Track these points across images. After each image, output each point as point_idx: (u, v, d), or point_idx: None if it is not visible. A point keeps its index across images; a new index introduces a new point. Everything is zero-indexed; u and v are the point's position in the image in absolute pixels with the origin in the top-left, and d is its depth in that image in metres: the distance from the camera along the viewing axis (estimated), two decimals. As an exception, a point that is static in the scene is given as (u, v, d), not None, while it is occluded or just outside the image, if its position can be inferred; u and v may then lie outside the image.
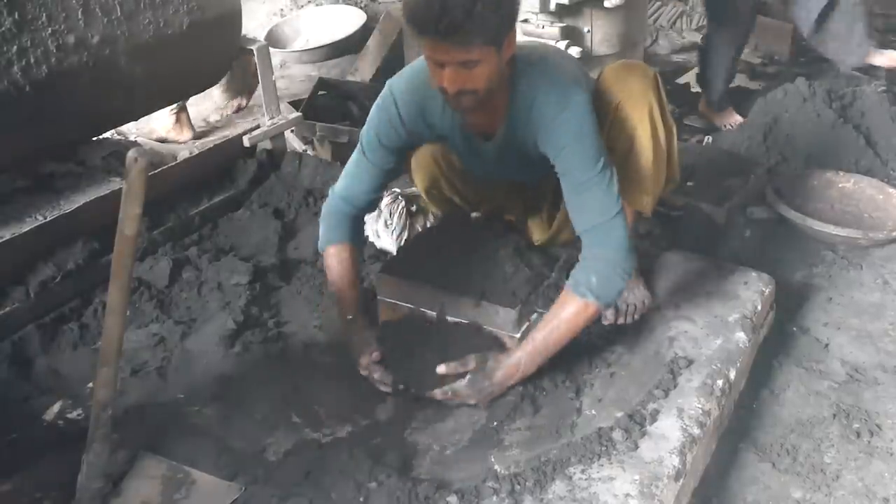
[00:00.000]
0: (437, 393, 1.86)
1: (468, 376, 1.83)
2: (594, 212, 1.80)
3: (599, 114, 1.88)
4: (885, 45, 4.45)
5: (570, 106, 1.78)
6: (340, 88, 3.81)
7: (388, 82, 1.95)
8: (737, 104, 3.82)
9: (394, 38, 4.34)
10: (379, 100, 1.94)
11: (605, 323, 2.06)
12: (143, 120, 3.19)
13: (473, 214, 2.33)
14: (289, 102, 3.60)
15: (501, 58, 1.70)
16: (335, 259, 2.03)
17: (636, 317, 2.08)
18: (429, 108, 1.89)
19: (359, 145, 2.02)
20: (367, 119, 1.98)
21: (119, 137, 3.36)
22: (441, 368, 1.84)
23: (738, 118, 3.67)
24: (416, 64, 1.89)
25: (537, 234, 2.28)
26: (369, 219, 2.50)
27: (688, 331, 2.03)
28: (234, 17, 2.66)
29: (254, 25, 4.94)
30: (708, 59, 3.73)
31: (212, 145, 2.93)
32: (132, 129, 3.58)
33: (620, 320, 2.07)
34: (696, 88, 4.22)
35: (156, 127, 3.53)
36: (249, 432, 1.81)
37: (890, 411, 2.03)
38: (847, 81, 3.72)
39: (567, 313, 1.81)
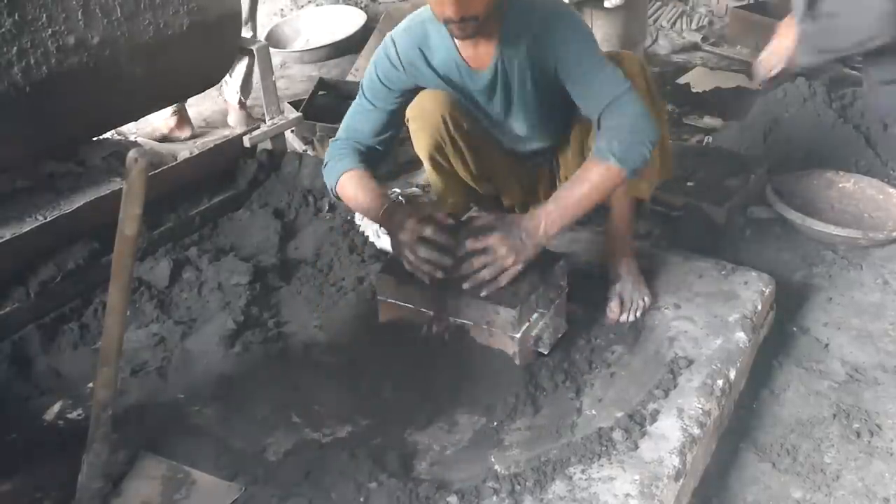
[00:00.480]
0: (469, 244, 1.85)
1: (496, 232, 1.85)
2: (606, 92, 1.88)
3: None
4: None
5: (564, 9, 1.96)
6: (340, 88, 3.81)
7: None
8: (737, 104, 3.81)
9: (394, 39, 4.33)
10: (379, 47, 2.04)
11: (611, 316, 2.09)
12: (142, 119, 3.19)
13: (471, 211, 2.34)
14: (289, 102, 3.60)
15: None
16: (353, 183, 1.98)
17: (639, 314, 2.10)
18: (425, 45, 1.98)
19: (359, 92, 2.08)
20: (367, 66, 2.07)
21: (119, 137, 3.36)
22: (469, 243, 1.86)
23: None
24: (413, 14, 2.02)
25: None
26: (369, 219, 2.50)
27: (688, 331, 2.03)
28: (234, 18, 2.66)
29: (254, 25, 4.93)
30: None
31: (212, 145, 2.93)
32: (132, 129, 3.58)
33: (623, 317, 2.09)
34: (696, 88, 4.22)
35: (157, 125, 3.54)
36: (249, 432, 1.81)
37: (890, 411, 2.03)
38: (847, 81, 3.72)
39: (590, 174, 1.85)
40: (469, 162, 2.22)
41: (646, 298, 2.12)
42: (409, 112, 2.09)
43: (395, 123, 2.11)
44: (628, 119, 1.86)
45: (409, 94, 2.07)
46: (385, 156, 2.17)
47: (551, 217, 1.86)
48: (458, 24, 1.80)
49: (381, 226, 2.01)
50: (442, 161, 2.19)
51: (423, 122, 2.09)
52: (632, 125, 1.85)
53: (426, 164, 2.24)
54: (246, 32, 3.24)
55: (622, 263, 2.15)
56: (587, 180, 1.85)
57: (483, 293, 1.85)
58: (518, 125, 2.15)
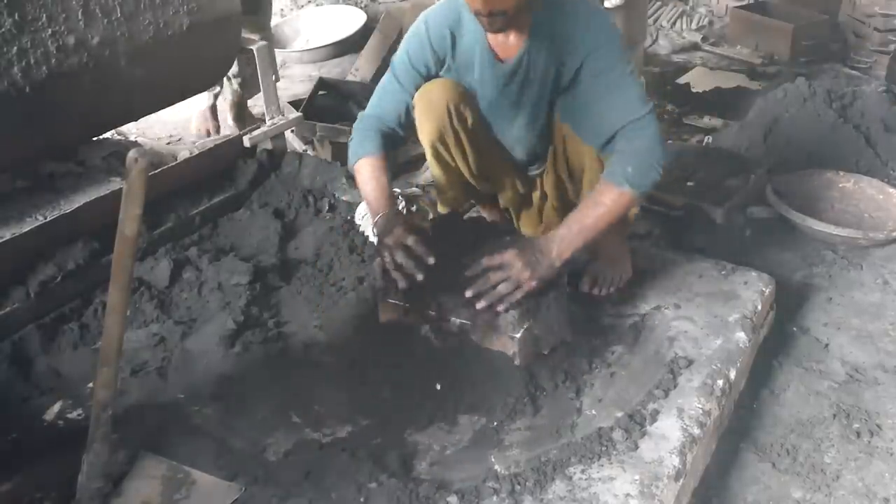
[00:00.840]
0: (486, 261, 1.85)
1: (509, 250, 1.86)
2: (627, 110, 1.89)
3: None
4: (884, 44, 4.47)
5: (599, 11, 1.98)
6: (340, 88, 3.81)
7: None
8: (737, 104, 3.82)
9: (394, 38, 4.34)
10: (412, 25, 2.09)
11: (584, 289, 2.16)
12: (154, 118, 3.20)
13: (467, 215, 2.35)
14: (289, 102, 3.60)
15: None
16: (367, 172, 2.06)
17: (612, 290, 2.16)
18: (457, 27, 2.03)
19: (390, 68, 2.14)
20: (401, 43, 2.13)
21: (119, 137, 3.36)
22: (486, 260, 1.85)
23: None
24: None
25: (527, 227, 2.32)
26: (369, 219, 2.49)
27: (688, 331, 2.03)
28: (234, 18, 2.66)
29: (254, 25, 4.93)
30: None
31: (212, 145, 2.93)
32: (132, 129, 3.58)
33: (595, 290, 2.15)
34: (696, 88, 4.22)
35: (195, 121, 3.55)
36: (249, 432, 1.81)
37: (890, 411, 2.03)
38: (847, 81, 3.72)
39: (603, 198, 1.88)
40: (469, 157, 2.23)
41: (623, 276, 2.17)
42: (417, 97, 2.11)
43: (409, 122, 2.15)
44: (645, 143, 1.88)
45: (435, 76, 2.11)
46: (405, 141, 2.21)
47: (565, 241, 1.87)
48: (487, 17, 1.86)
49: (374, 223, 2.03)
50: (443, 152, 2.20)
51: (429, 110, 2.11)
52: (648, 149, 1.88)
53: (427, 153, 2.25)
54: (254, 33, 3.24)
55: (603, 244, 2.15)
56: (601, 204, 1.88)
57: (501, 307, 1.84)
58: (522, 119, 2.16)
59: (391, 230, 1.94)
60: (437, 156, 2.22)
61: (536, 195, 2.38)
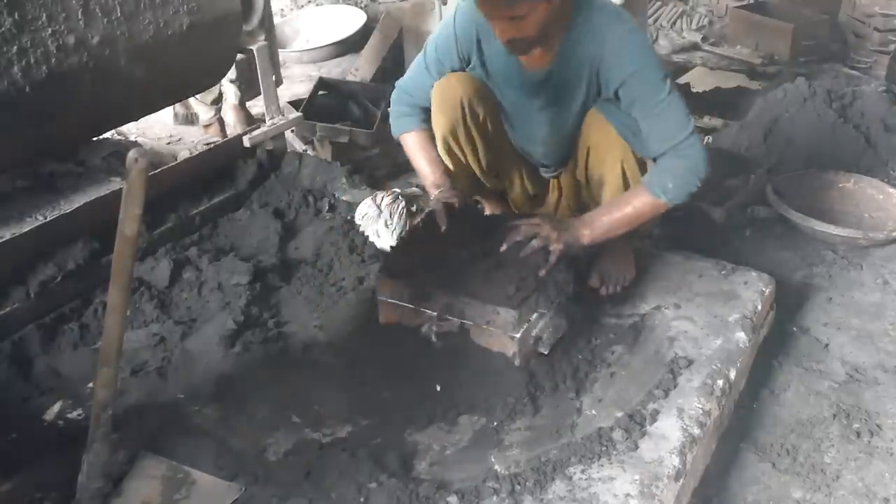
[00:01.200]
0: (524, 228, 1.94)
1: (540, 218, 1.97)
2: (669, 134, 1.90)
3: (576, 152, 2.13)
4: (884, 44, 4.47)
5: (635, 33, 1.93)
6: (340, 88, 3.81)
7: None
8: (737, 104, 3.81)
9: (394, 38, 4.34)
10: (447, 14, 2.15)
11: (592, 286, 2.17)
12: (153, 118, 3.19)
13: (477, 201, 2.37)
14: (289, 102, 3.60)
15: (553, 4, 1.80)
16: (416, 143, 2.21)
17: (618, 289, 2.17)
18: (482, 30, 2.00)
19: (424, 48, 2.18)
20: (436, 28, 2.20)
21: (119, 137, 3.36)
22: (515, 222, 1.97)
23: None
24: None
25: None
26: (369, 219, 2.50)
27: (688, 331, 2.03)
28: (234, 18, 2.66)
29: (254, 25, 4.93)
30: None
31: (212, 145, 2.93)
32: (132, 129, 3.58)
33: (603, 289, 2.17)
34: (696, 88, 4.22)
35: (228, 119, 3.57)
36: (249, 432, 1.81)
37: (890, 411, 2.03)
38: (847, 81, 3.72)
39: (636, 201, 1.93)
40: (480, 153, 2.24)
41: (628, 276, 2.19)
42: (434, 90, 2.14)
43: None
44: (689, 163, 1.90)
45: (462, 69, 2.12)
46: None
47: (593, 224, 1.96)
48: (507, 45, 1.85)
49: (430, 188, 2.19)
50: (454, 146, 2.23)
51: (443, 104, 2.14)
52: (692, 169, 1.91)
53: (439, 146, 2.26)
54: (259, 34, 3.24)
55: (609, 245, 2.16)
56: (633, 206, 1.94)
57: (542, 272, 1.90)
58: (547, 122, 2.16)
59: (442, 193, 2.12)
60: (449, 150, 2.24)
61: (553, 197, 2.39)
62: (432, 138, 2.21)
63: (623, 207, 1.96)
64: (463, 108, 2.11)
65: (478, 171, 2.30)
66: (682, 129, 1.90)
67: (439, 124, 2.19)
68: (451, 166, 2.29)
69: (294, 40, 5.09)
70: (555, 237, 1.92)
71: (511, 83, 2.09)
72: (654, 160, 1.97)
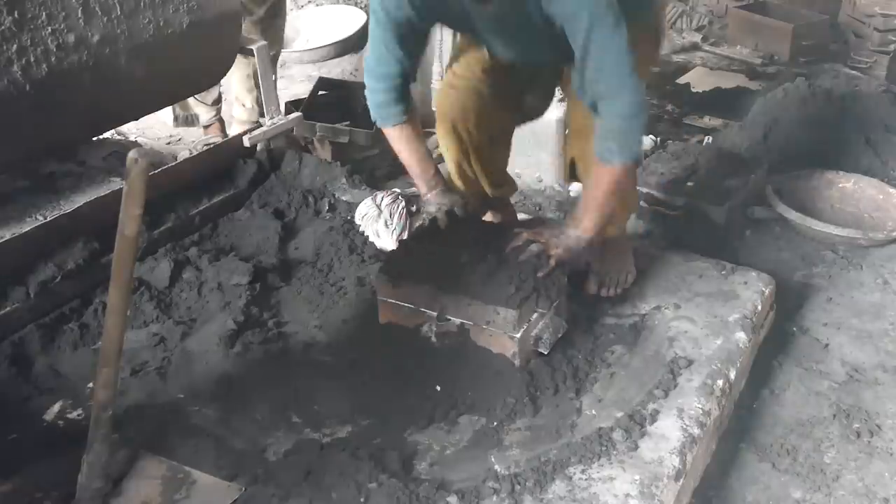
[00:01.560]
0: (525, 235, 1.99)
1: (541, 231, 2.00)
2: (605, 75, 1.82)
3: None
4: (884, 44, 4.47)
5: None
6: (340, 88, 3.81)
7: None
8: (737, 104, 3.81)
9: (394, 38, 4.33)
10: None
11: (588, 290, 2.17)
12: (153, 118, 3.18)
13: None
14: (289, 102, 3.60)
15: None
16: (402, 138, 2.12)
17: (619, 290, 2.17)
18: None
19: (371, 15, 2.01)
20: None
21: (119, 137, 3.36)
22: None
23: None
24: None
25: None
26: (369, 219, 2.50)
27: (688, 331, 2.03)
28: (234, 17, 2.66)
29: (254, 25, 4.93)
30: None
31: (212, 145, 2.92)
32: (132, 129, 3.58)
33: (603, 292, 2.16)
34: (696, 88, 4.22)
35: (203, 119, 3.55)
36: (249, 432, 1.81)
37: (890, 411, 2.03)
38: (847, 81, 3.72)
39: (601, 179, 1.93)
40: (488, 168, 2.31)
41: (629, 276, 2.19)
42: (437, 115, 2.20)
43: (413, 47, 2.04)
44: (625, 111, 1.85)
45: (418, 25, 1.98)
46: (415, 76, 2.15)
47: (585, 219, 1.96)
48: None
49: (422, 186, 2.17)
50: (466, 168, 2.29)
51: (447, 134, 2.21)
52: (626, 117, 1.86)
53: (453, 172, 2.32)
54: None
55: (608, 245, 2.18)
56: (602, 185, 1.94)
57: (541, 274, 1.92)
58: (521, 51, 2.07)
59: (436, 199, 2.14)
60: (462, 174, 2.30)
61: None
62: (418, 130, 2.14)
63: (596, 193, 1.95)
64: (459, 134, 2.18)
65: (487, 188, 2.37)
66: (619, 73, 1.81)
67: (450, 154, 2.27)
68: (462, 186, 2.33)
69: (294, 40, 5.08)
70: (553, 243, 1.95)
71: (473, 18, 1.95)
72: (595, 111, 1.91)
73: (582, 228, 1.97)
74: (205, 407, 1.89)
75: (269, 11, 3.27)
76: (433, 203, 2.15)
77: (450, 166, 2.31)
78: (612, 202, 1.97)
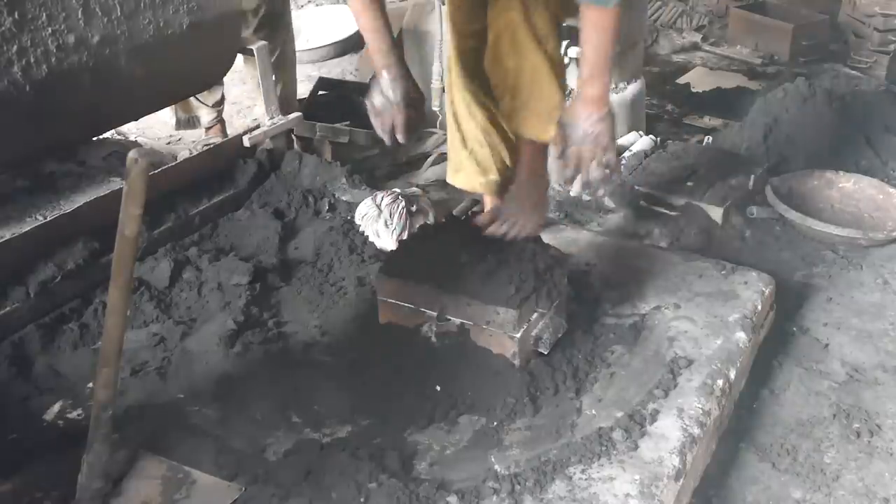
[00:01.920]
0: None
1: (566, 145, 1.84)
2: None
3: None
4: (884, 44, 4.47)
5: None
6: (340, 88, 3.81)
7: None
8: (737, 104, 3.81)
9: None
10: None
11: (479, 223, 2.09)
12: (153, 118, 3.17)
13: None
14: (289, 102, 3.60)
15: None
16: (358, 9, 1.95)
17: (511, 234, 2.06)
18: None
19: None
20: None
21: (119, 137, 3.35)
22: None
23: None
24: None
25: None
26: (369, 219, 2.50)
27: (688, 331, 2.03)
28: (234, 17, 2.66)
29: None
30: None
31: (212, 145, 2.92)
32: (132, 129, 3.58)
33: (494, 227, 2.07)
34: (696, 88, 4.23)
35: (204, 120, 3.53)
36: (249, 432, 1.81)
37: (890, 411, 2.03)
38: (847, 81, 3.72)
39: (603, 30, 1.75)
40: (490, 92, 2.15)
41: (529, 227, 2.07)
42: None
43: None
44: None
45: None
46: None
47: (595, 94, 1.79)
48: None
49: (378, 66, 1.98)
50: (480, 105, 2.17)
51: (464, 94, 2.16)
52: None
53: (464, 114, 2.21)
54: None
55: (522, 186, 2.14)
56: (602, 38, 1.76)
57: (601, 192, 1.90)
58: None
59: (380, 79, 1.94)
60: (493, 127, 2.18)
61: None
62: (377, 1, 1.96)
63: (599, 48, 1.77)
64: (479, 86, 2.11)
65: (498, 112, 2.18)
66: None
67: (475, 113, 2.18)
68: (481, 142, 2.21)
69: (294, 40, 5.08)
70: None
71: None
72: None
73: (594, 104, 1.78)
74: (205, 407, 1.89)
75: (263, 21, 3.26)
76: (382, 84, 1.95)
77: (462, 110, 2.19)
78: (609, 49, 1.77)
